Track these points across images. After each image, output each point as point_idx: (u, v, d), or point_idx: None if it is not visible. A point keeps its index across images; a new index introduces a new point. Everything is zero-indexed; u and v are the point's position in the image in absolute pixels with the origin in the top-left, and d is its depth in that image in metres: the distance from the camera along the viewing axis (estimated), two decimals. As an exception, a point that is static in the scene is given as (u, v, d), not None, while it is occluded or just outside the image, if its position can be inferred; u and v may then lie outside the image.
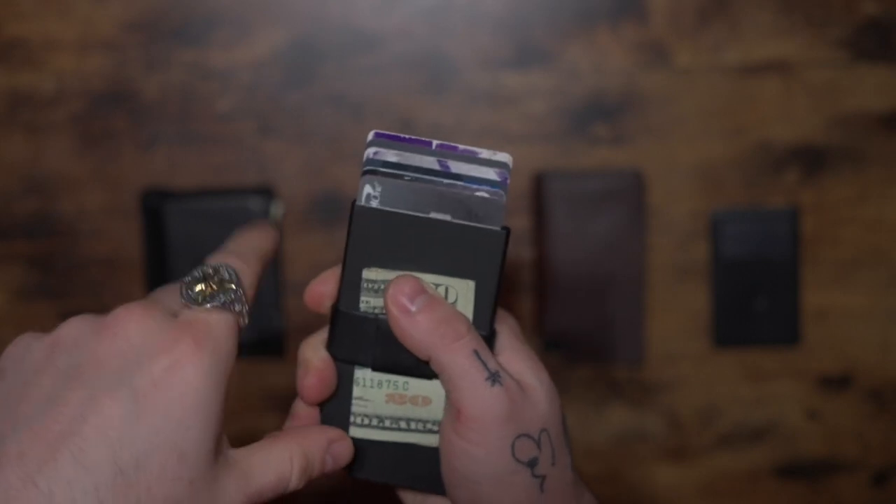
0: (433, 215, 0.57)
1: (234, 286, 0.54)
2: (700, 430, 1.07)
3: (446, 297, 0.57)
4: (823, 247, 1.05)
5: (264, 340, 1.05)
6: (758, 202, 1.04)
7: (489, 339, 0.57)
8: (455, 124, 1.04)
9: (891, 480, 1.08)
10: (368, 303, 0.58)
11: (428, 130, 1.04)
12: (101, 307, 1.07)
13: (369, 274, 0.58)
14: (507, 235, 0.57)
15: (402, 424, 0.60)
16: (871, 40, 1.03)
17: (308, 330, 1.10)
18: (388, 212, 0.57)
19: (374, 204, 0.57)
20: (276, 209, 1.04)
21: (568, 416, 1.07)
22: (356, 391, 0.60)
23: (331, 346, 0.60)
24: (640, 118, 1.04)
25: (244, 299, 0.54)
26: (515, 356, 0.58)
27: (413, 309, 0.55)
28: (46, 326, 1.10)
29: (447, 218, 0.57)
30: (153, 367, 0.50)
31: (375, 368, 0.59)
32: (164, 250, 1.04)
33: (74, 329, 0.54)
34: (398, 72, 1.04)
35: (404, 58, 1.03)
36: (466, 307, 0.58)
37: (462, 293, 0.58)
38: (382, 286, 0.57)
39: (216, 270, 0.55)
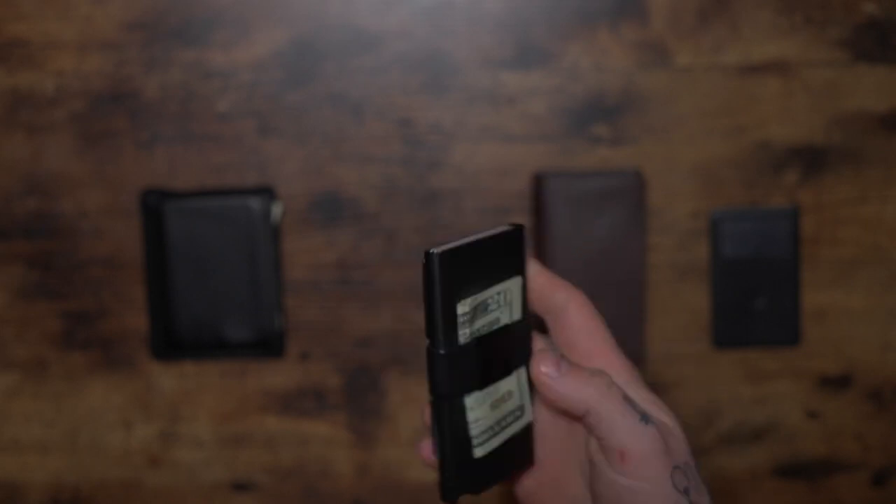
0: (475, 237, 0.61)
1: None
2: (700, 430, 1.07)
3: (508, 298, 0.61)
4: (823, 247, 1.05)
5: (264, 340, 1.05)
6: (758, 202, 1.05)
7: (528, 323, 0.62)
8: (455, 124, 1.04)
9: (891, 480, 1.08)
10: (465, 333, 0.60)
11: (428, 130, 1.04)
12: (101, 307, 1.07)
13: (462, 307, 0.60)
14: (524, 228, 0.62)
15: (503, 423, 0.63)
16: (871, 40, 1.03)
17: (308, 330, 1.10)
18: (454, 248, 0.59)
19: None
20: (276, 209, 1.04)
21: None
22: (471, 416, 0.62)
23: (439, 388, 0.61)
24: (640, 118, 1.04)
25: None
26: (644, 400, 0.62)
27: (559, 375, 0.59)
28: (46, 326, 1.11)
29: (486, 234, 0.61)
30: None
31: (483, 386, 0.61)
32: (164, 250, 1.04)
33: None
34: (398, 72, 1.04)
35: (404, 58, 1.03)
36: (517, 301, 0.62)
37: (513, 290, 0.62)
38: (471, 314, 0.60)
39: None
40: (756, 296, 1.05)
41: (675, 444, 0.59)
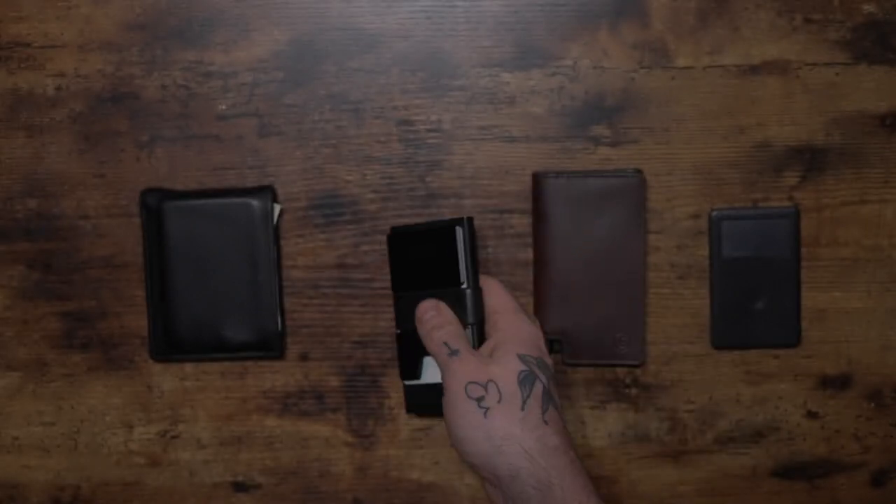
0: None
1: None
2: (700, 430, 1.07)
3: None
4: (823, 247, 1.05)
5: (264, 340, 1.05)
6: (758, 202, 1.05)
7: (477, 292, 0.95)
8: (455, 124, 1.04)
9: (891, 480, 1.08)
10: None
11: (428, 130, 1.04)
12: (101, 307, 1.07)
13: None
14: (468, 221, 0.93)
15: None
16: (871, 40, 1.03)
17: (308, 331, 1.10)
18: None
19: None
20: (275, 210, 1.04)
21: (568, 416, 1.08)
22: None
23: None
24: (640, 118, 1.04)
25: None
26: (523, 341, 0.94)
27: (426, 333, 0.95)
28: (46, 327, 1.11)
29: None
30: None
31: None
32: (164, 250, 1.04)
33: None
34: (398, 72, 1.04)
35: (404, 58, 1.03)
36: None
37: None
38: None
39: None
40: (756, 296, 1.05)
41: (478, 372, 0.89)
